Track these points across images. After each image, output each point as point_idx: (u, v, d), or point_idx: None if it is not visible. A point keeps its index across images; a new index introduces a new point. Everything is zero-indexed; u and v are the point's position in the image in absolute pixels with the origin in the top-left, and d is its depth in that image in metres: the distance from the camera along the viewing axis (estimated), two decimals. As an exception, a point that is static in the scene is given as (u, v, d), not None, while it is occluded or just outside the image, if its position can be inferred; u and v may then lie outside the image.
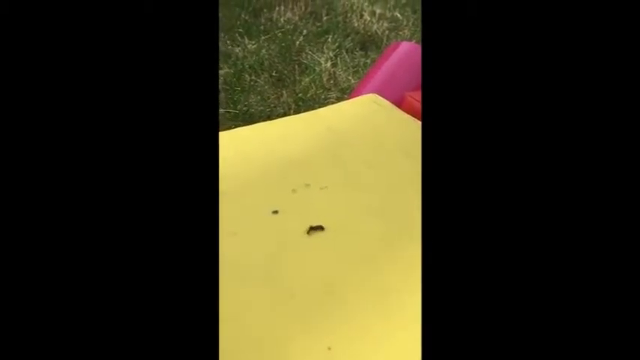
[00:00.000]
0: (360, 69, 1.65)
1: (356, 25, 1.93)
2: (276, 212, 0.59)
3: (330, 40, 1.78)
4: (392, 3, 2.13)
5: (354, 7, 2.03)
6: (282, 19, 1.90)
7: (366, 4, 2.06)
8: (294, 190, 0.63)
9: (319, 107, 0.81)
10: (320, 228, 0.57)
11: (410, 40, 1.86)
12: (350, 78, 1.61)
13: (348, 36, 1.84)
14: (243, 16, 1.87)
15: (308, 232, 0.57)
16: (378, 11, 2.03)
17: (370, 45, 1.83)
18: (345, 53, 1.74)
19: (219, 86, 1.49)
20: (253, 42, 1.73)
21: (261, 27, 1.83)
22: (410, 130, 0.78)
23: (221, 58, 1.61)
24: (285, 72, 1.61)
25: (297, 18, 1.93)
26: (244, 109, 1.39)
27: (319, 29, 1.87)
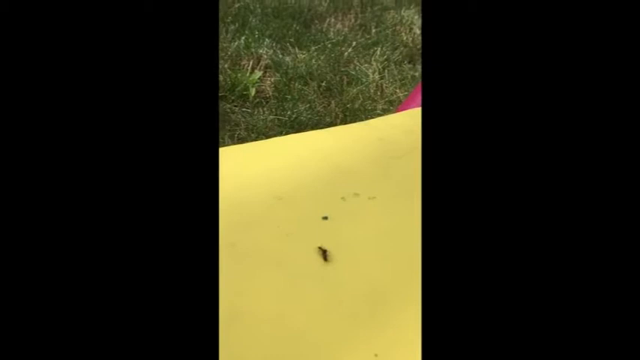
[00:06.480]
0: (407, 82, 1.66)
1: (405, 38, 1.94)
2: (325, 218, 0.61)
3: (378, 52, 1.80)
4: (442, 17, 2.12)
5: (404, 21, 2.04)
6: (332, 31, 1.93)
7: (415, 17, 2.07)
8: (343, 198, 0.65)
9: (366, 118, 0.82)
10: (324, 252, 0.56)
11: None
12: (397, 90, 1.62)
13: (396, 49, 1.85)
14: (294, 26, 1.91)
15: (324, 259, 0.55)
16: (427, 25, 2.03)
17: (418, 58, 1.84)
18: (392, 66, 1.75)
19: (270, 93, 1.53)
20: (304, 52, 1.76)
21: (312, 37, 1.86)
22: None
23: (273, 66, 1.65)
24: (334, 82, 1.63)
25: (346, 30, 1.96)
26: (293, 116, 1.42)
27: (368, 41, 1.89)
